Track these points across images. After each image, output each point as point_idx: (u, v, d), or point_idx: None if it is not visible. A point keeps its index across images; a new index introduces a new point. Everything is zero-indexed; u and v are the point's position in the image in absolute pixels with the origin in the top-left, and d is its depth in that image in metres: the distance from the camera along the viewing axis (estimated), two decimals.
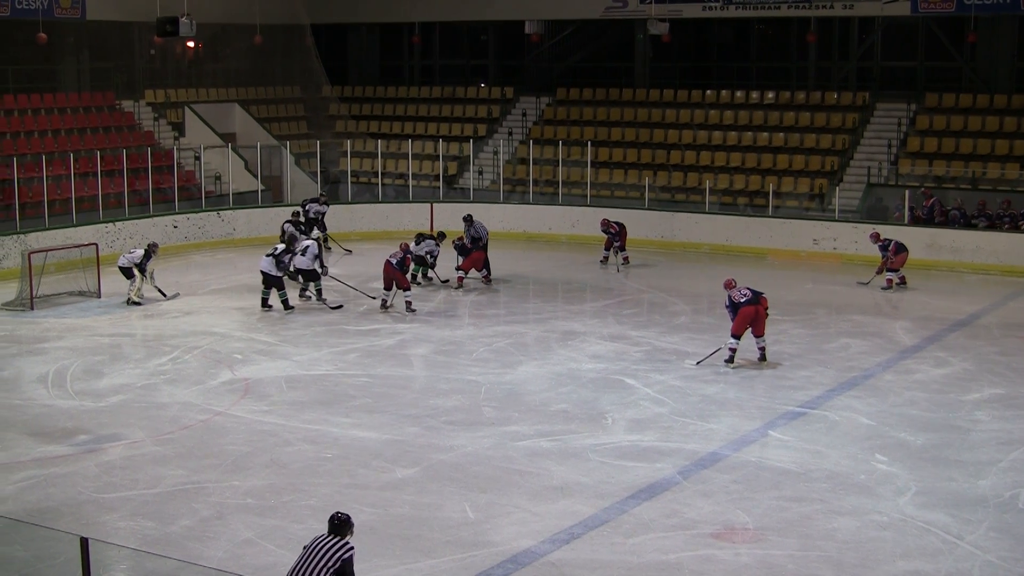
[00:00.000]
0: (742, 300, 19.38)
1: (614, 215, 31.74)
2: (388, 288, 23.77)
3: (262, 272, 23.71)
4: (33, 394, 18.11)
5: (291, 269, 24.12)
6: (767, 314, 19.83)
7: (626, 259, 28.97)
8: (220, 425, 16.58)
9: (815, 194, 32.65)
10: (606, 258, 29.40)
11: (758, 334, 19.66)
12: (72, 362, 19.83)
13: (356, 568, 10.55)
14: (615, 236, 29.05)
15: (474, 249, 26.62)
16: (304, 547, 9.85)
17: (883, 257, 26.02)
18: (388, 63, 45.36)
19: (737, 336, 19.50)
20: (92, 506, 13.64)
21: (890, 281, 25.93)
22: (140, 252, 24.33)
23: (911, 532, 12.94)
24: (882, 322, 23.25)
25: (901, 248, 25.98)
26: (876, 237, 26.41)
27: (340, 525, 9.91)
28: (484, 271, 26.87)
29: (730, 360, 19.50)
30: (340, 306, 24.00)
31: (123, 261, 24.44)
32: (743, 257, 30.17)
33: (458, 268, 26.36)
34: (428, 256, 26.01)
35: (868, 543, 12.64)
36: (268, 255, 23.67)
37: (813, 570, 12.01)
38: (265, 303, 23.82)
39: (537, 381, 18.78)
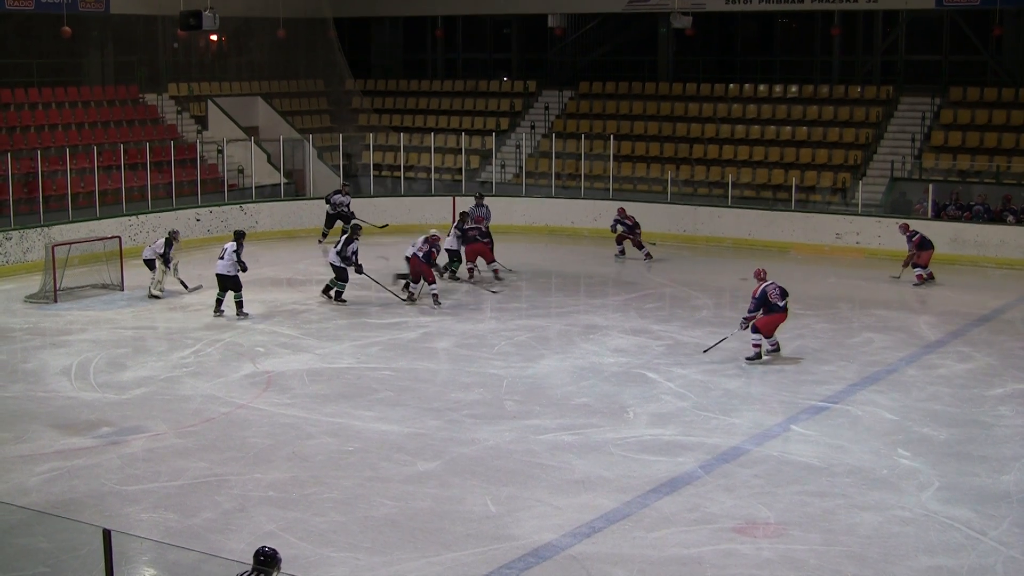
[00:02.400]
0: (780, 303, 19.47)
1: (635, 209, 31.73)
2: (416, 281, 23.81)
3: (332, 266, 23.94)
4: (56, 386, 18.17)
5: (356, 261, 24.00)
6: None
7: (648, 255, 28.95)
8: (242, 418, 16.62)
9: (838, 188, 32.54)
10: (623, 251, 29.54)
11: (770, 334, 19.84)
12: (95, 355, 19.90)
13: (378, 560, 10.62)
14: (630, 229, 29.08)
15: (473, 241, 26.47)
16: None
17: (909, 249, 25.94)
18: (411, 57, 45.38)
19: (768, 336, 19.65)
20: (115, 498, 13.68)
21: (920, 276, 25.82)
22: (162, 241, 24.39)
23: (934, 527, 12.89)
24: (905, 317, 23.16)
25: (926, 244, 25.84)
26: (905, 228, 26.30)
27: (267, 561, 9.27)
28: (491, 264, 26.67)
29: (757, 357, 19.52)
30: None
31: (147, 253, 24.52)
32: (766, 251, 30.09)
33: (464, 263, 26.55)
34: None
35: (891, 538, 12.60)
36: (336, 251, 23.80)
37: (835, 565, 11.97)
38: (338, 296, 23.92)
39: (559, 375, 18.78)
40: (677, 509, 13.36)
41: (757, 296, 19.45)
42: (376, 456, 15.08)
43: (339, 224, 30.10)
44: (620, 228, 29.26)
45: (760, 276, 19.82)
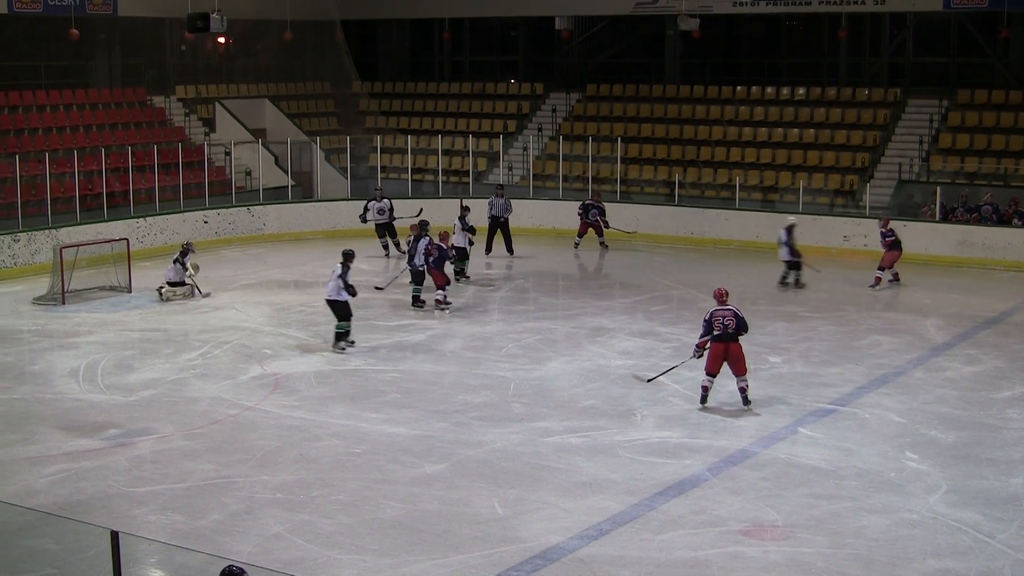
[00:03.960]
0: (716, 332, 16.83)
1: (644, 211, 31.89)
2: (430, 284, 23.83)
3: (329, 302, 23.45)
4: (64, 388, 18.20)
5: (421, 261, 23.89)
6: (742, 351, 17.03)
7: (605, 244, 30.50)
8: (250, 420, 16.64)
9: (846, 191, 32.51)
10: (578, 244, 30.80)
11: (737, 372, 17.03)
12: (103, 356, 19.93)
13: (385, 562, 10.60)
14: (602, 213, 30.45)
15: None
16: None
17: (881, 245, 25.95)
18: (418, 59, 45.40)
19: (711, 374, 17.01)
20: (122, 500, 13.70)
21: (879, 279, 25.79)
22: (176, 265, 24.38)
23: (942, 530, 12.88)
24: (913, 319, 23.13)
25: (896, 245, 25.84)
26: (885, 223, 26.26)
27: None
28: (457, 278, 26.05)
29: (703, 400, 17.11)
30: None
31: (171, 275, 24.43)
32: (773, 254, 30.02)
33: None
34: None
35: (898, 541, 12.59)
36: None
37: (843, 568, 11.96)
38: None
39: (566, 377, 18.78)
40: (684, 511, 13.35)
41: (705, 320, 17.13)
42: (383, 458, 15.09)
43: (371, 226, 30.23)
44: (595, 215, 30.50)
45: (718, 297, 17.29)
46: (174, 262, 24.46)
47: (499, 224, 29.77)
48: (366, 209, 30.13)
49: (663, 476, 14.44)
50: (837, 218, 30.87)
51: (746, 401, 16.99)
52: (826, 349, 20.57)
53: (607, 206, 30.75)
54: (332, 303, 20.47)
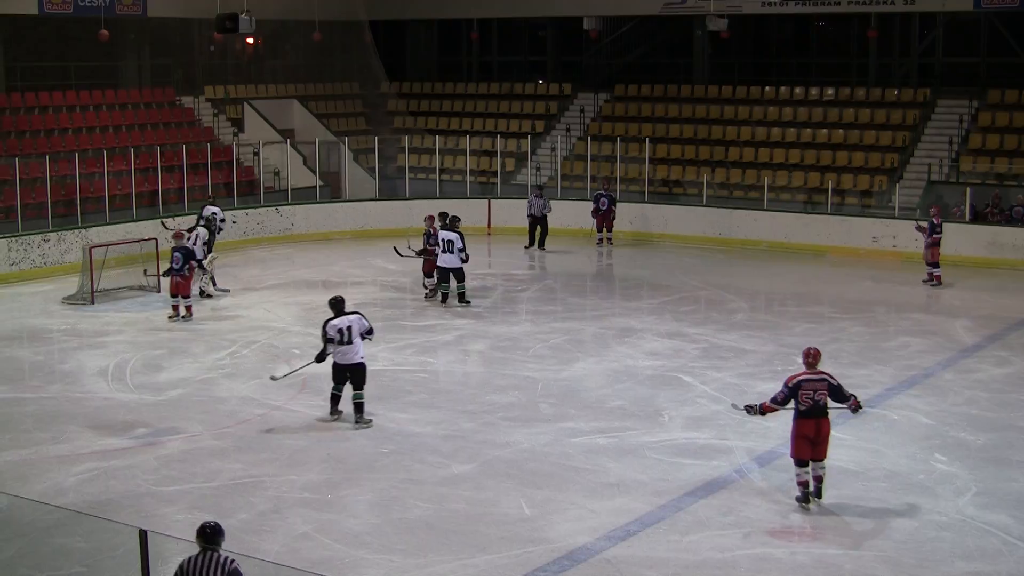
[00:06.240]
0: (803, 408, 13.41)
1: (673, 212, 31.87)
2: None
3: (450, 269, 23.73)
4: (93, 387, 18.29)
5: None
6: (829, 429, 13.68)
7: (610, 239, 31.03)
8: (278, 419, 16.68)
9: (875, 191, 32.38)
10: (602, 239, 31.21)
11: (819, 457, 13.57)
12: (132, 356, 20.01)
13: (412, 562, 10.55)
14: (612, 201, 30.93)
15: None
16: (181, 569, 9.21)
17: (935, 236, 25.79)
18: (446, 59, 45.40)
19: (803, 462, 13.55)
20: (151, 499, 13.75)
21: (938, 276, 25.72)
22: (202, 236, 24.52)
23: (971, 533, 12.81)
24: (942, 320, 23.03)
25: (938, 241, 25.81)
26: (937, 214, 26.17)
27: (213, 534, 9.25)
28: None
29: (804, 499, 13.49)
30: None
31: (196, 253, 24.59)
32: (801, 254, 29.98)
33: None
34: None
35: (927, 544, 12.52)
36: (449, 252, 23.51)
37: (870, 570, 11.91)
38: (463, 298, 23.73)
39: (594, 378, 18.76)
40: (712, 513, 13.32)
41: (790, 386, 13.56)
42: (410, 458, 15.10)
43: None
44: (605, 203, 31.00)
45: (807, 359, 13.78)
46: (199, 223, 24.69)
47: (537, 221, 30.06)
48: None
49: (691, 477, 14.42)
50: (866, 219, 30.74)
51: (820, 495, 13.57)
52: (855, 350, 20.49)
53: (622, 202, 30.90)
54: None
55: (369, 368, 17.62)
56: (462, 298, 23.82)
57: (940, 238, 25.79)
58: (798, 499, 13.46)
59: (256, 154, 34.60)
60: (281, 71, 40.50)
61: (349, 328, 16.25)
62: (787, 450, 14.96)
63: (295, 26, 38.58)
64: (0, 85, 34.03)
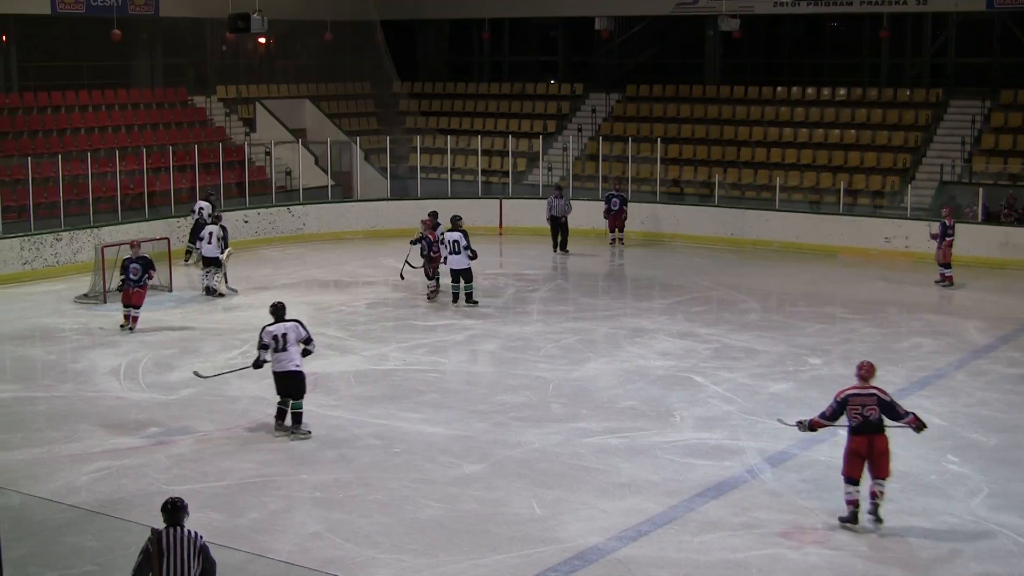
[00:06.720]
0: (853, 424, 12.94)
1: (684, 212, 31.84)
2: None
3: (460, 271, 23.78)
4: (106, 386, 18.32)
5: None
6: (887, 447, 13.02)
7: (622, 240, 31.15)
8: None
9: (887, 192, 32.32)
10: (614, 240, 31.31)
11: (878, 473, 12.94)
12: (144, 355, 20.04)
13: (423, 562, 10.52)
14: (624, 202, 30.85)
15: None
16: (145, 552, 9.42)
17: (948, 236, 25.74)
18: (458, 59, 45.44)
19: (853, 480, 13.00)
20: (162, 498, 13.58)
21: (950, 277, 25.68)
22: (215, 233, 24.60)
23: (983, 534, 12.78)
24: (954, 321, 22.99)
25: (949, 244, 25.80)
26: (949, 214, 26.13)
27: (177, 511, 9.59)
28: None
29: (851, 519, 12.92)
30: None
31: (209, 250, 24.65)
32: (813, 255, 29.94)
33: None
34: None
35: (939, 545, 12.49)
36: (456, 252, 23.54)
37: (882, 571, 11.90)
38: (470, 298, 23.81)
39: (605, 378, 18.75)
40: (723, 513, 13.31)
41: (838, 400, 13.10)
42: (422, 458, 15.10)
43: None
44: (616, 204, 30.96)
45: (861, 373, 13.21)
46: (208, 217, 24.67)
47: (558, 223, 29.98)
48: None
49: (702, 477, 14.40)
50: (878, 219, 30.69)
51: (876, 515, 12.94)
52: (867, 351, 20.39)
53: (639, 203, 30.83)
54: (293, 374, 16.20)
55: (381, 368, 17.66)
56: (469, 298, 23.81)
57: (952, 239, 25.75)
58: (843, 519, 12.90)
59: (268, 154, 34.64)
60: (293, 71, 40.55)
61: (285, 335, 15.88)
62: (799, 450, 15.03)
63: (307, 26, 38.62)
64: (13, 85, 34.14)
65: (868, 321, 22.73)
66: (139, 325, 21.91)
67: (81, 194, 29.17)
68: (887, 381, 18.24)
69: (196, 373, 17.74)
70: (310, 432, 15.93)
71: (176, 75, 37.81)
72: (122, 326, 21.87)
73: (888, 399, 12.93)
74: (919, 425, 13.14)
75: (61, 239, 27.48)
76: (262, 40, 39.03)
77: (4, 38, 34.41)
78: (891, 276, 27.42)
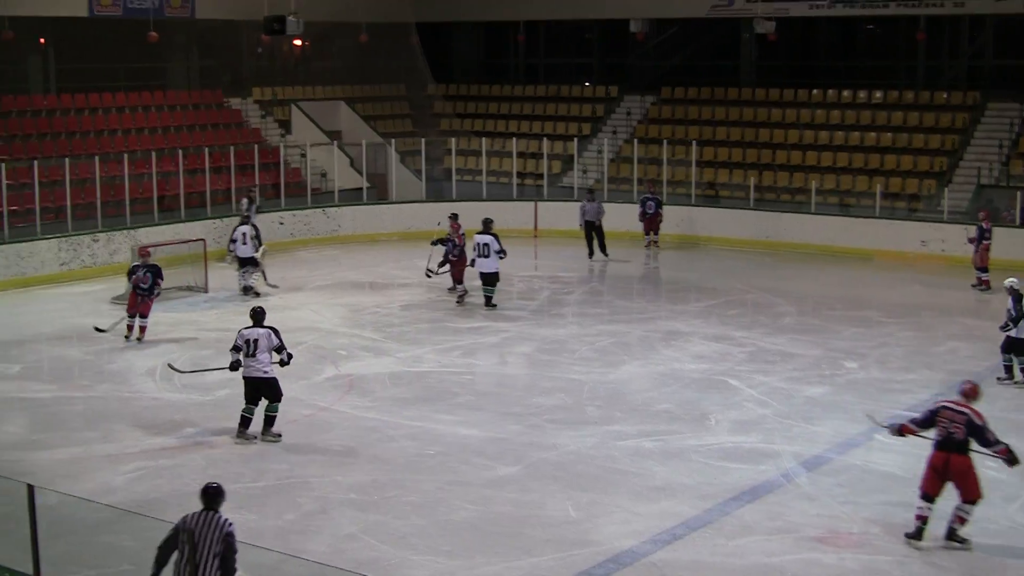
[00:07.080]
0: (938, 437, 12.65)
1: (720, 215, 31.75)
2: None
3: (487, 274, 23.84)
4: (142, 387, 18.42)
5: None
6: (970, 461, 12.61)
7: (656, 242, 31.06)
8: (324, 420, 16.74)
9: (923, 195, 32.16)
10: (649, 243, 31.22)
11: (965, 496, 12.56)
12: (180, 356, 20.12)
13: (457, 564, 10.52)
14: (659, 205, 30.79)
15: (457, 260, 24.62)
16: (176, 528, 9.76)
17: (986, 240, 25.59)
18: (493, 61, 45.47)
19: (928, 496, 12.65)
20: (198, 498, 13.78)
21: (987, 281, 25.55)
22: (250, 233, 24.72)
23: (1020, 540, 12.72)
24: (991, 326, 22.72)
25: (986, 248, 25.65)
26: (987, 217, 25.98)
27: (214, 496, 9.92)
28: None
29: (915, 535, 12.56)
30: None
31: (245, 251, 24.76)
32: (848, 258, 29.82)
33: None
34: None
35: (975, 550, 12.42)
36: (485, 256, 23.63)
37: None
38: (489, 302, 23.83)
39: (640, 381, 18.73)
40: (758, 517, 13.27)
41: (932, 408, 12.98)
42: (456, 460, 15.12)
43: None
44: (652, 207, 30.86)
45: (965, 390, 12.93)
46: (243, 221, 24.81)
47: (593, 228, 29.84)
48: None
49: (737, 481, 14.37)
50: (914, 223, 30.53)
51: (954, 537, 12.53)
52: (903, 355, 20.37)
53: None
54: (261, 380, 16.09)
55: (415, 370, 17.66)
56: (488, 302, 23.85)
57: (990, 243, 25.61)
58: (908, 535, 12.54)
59: (303, 156, 34.74)
60: (328, 73, 40.66)
61: (256, 341, 15.84)
62: (835, 455, 15.02)
63: (342, 28, 38.68)
64: (51, 87, 34.37)
65: (904, 325, 22.63)
66: (174, 326, 21.97)
67: (118, 195, 29.32)
68: (923, 384, 18.28)
69: (170, 365, 17.93)
70: (280, 435, 15.88)
71: (212, 77, 37.99)
72: (127, 336, 21.44)
73: (980, 423, 12.47)
74: (1011, 458, 12.69)
75: (98, 240, 27.66)
76: (297, 42, 39.16)
77: (42, 40, 34.65)
78: (927, 280, 27.29)
